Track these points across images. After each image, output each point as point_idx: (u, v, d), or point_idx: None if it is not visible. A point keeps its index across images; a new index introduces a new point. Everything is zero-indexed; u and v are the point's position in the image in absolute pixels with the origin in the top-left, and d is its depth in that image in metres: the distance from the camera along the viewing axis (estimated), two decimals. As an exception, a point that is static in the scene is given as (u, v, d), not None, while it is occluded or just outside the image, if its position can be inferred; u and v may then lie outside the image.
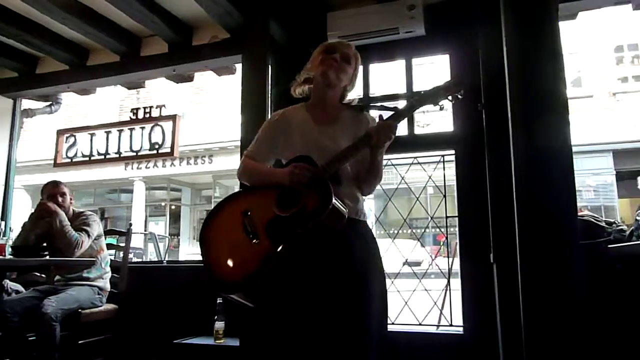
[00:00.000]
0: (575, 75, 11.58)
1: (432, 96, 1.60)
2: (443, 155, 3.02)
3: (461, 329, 2.76)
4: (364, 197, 1.72)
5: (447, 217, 2.97)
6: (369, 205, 12.54)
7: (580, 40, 10.89)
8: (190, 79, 3.93)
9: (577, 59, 11.32)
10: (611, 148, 10.69)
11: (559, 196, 1.74)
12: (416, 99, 1.61)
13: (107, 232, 3.45)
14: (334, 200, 1.46)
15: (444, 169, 3.03)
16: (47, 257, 2.98)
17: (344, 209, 1.51)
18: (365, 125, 1.68)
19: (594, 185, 11.11)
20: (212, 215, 1.70)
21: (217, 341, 2.79)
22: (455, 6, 2.94)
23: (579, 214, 2.92)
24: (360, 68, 2.56)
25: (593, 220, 2.55)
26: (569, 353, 1.68)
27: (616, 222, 2.57)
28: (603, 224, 2.53)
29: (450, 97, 1.60)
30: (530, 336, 1.73)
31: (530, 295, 1.76)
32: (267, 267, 1.46)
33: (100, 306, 2.96)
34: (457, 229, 2.86)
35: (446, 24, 2.97)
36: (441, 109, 1.62)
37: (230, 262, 1.57)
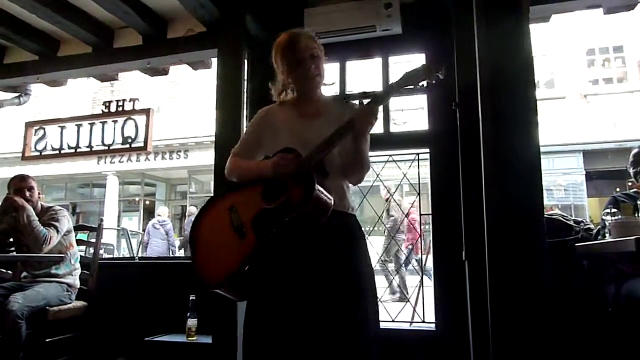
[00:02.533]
0: (548, 76, 11.83)
1: (412, 77, 1.56)
2: (418, 154, 3.04)
3: (433, 325, 2.79)
4: (351, 189, 1.72)
5: (421, 214, 2.99)
6: (346, 202, 12.59)
7: (553, 42, 11.13)
8: (165, 72, 3.86)
9: (551, 61, 11.56)
10: (581, 148, 10.98)
11: (526, 195, 1.78)
12: (396, 82, 1.58)
13: (77, 228, 3.38)
14: (316, 191, 1.45)
15: (418, 167, 3.06)
16: (14, 253, 2.92)
17: (328, 200, 1.50)
18: (350, 114, 1.64)
19: (564, 184, 11.39)
20: (200, 214, 1.71)
21: (189, 338, 2.76)
22: (431, 6, 2.96)
23: (549, 212, 3.00)
24: (337, 64, 2.56)
25: (562, 219, 2.62)
26: (535, 348, 1.71)
27: (584, 221, 2.64)
28: (571, 222, 2.60)
29: (429, 78, 1.56)
30: (497, 332, 1.76)
31: (497, 291, 1.79)
32: (251, 263, 1.46)
33: (69, 303, 2.90)
34: (430, 226, 2.89)
35: (422, 23, 2.99)
36: (422, 86, 1.59)
37: (215, 260, 1.57)
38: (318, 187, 1.47)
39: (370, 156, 3.06)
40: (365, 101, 1.61)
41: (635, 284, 2.06)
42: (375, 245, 3.37)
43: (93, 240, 3.28)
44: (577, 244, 2.37)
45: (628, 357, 2.17)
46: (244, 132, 1.80)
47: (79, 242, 3.25)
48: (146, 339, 2.81)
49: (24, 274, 2.92)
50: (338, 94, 3.08)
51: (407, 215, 4.95)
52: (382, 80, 3.09)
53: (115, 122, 4.02)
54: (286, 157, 1.54)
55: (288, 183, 1.52)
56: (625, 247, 1.67)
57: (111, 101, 4.12)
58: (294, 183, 1.50)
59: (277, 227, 1.47)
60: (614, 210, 2.03)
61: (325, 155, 1.54)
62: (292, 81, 1.71)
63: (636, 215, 1.96)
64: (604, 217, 2.15)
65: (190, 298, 2.82)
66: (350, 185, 1.71)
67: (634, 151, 2.55)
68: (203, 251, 1.62)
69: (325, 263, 1.53)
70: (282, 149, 1.58)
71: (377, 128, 3.13)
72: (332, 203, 1.51)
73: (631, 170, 2.51)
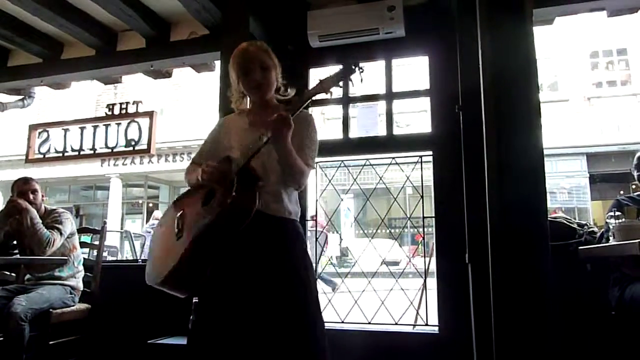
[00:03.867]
0: (552, 79, 11.82)
1: (326, 83, 1.56)
2: (421, 156, 3.03)
3: (437, 328, 2.78)
4: (294, 194, 1.74)
5: (424, 217, 2.99)
6: (349, 205, 12.59)
7: (557, 45, 11.12)
8: (168, 75, 3.87)
9: (554, 64, 11.55)
10: (585, 151, 10.96)
11: (530, 198, 1.77)
12: (308, 90, 1.60)
13: (81, 230, 3.37)
14: (232, 198, 1.50)
15: (421, 170, 3.05)
16: (17, 256, 2.92)
17: (249, 205, 1.54)
18: (300, 121, 1.67)
19: (567, 187, 11.37)
20: (162, 217, 1.87)
21: (192, 341, 2.76)
22: (435, 8, 2.96)
23: (553, 215, 2.99)
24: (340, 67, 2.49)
25: (565, 222, 2.60)
26: (538, 351, 1.71)
27: (588, 224, 2.63)
28: (575, 225, 2.59)
29: (340, 83, 1.56)
30: (500, 335, 1.76)
31: (500, 294, 1.78)
32: (184, 261, 1.53)
33: (72, 306, 2.90)
34: (433, 229, 2.88)
35: (425, 26, 2.99)
36: (331, 94, 1.58)
37: (159, 259, 1.70)
38: (235, 193, 1.51)
39: (373, 158, 3.12)
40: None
41: (639, 288, 2.04)
42: (378, 248, 3.36)
43: (96, 242, 3.28)
44: (580, 247, 2.36)
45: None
46: (204, 141, 1.89)
47: (83, 244, 3.25)
48: (149, 341, 2.80)
49: (28, 276, 2.92)
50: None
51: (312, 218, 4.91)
52: (385, 82, 3.09)
53: (118, 124, 4.04)
54: (210, 165, 1.61)
55: (216, 190, 1.60)
56: (629, 250, 1.66)
57: (115, 104, 4.14)
58: (220, 189, 1.58)
59: (201, 230, 1.54)
60: (617, 213, 2.01)
61: (249, 160, 1.57)
62: (243, 89, 1.77)
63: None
64: (607, 221, 2.13)
65: (194, 300, 2.81)
66: (292, 191, 1.73)
67: (638, 154, 2.54)
68: (153, 249, 1.81)
69: (251, 267, 1.59)
70: (222, 157, 1.66)
71: (380, 130, 3.15)
72: (253, 208, 1.54)
73: (635, 173, 2.50)
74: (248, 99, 1.84)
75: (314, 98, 1.59)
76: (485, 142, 1.88)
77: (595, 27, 10.63)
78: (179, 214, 1.69)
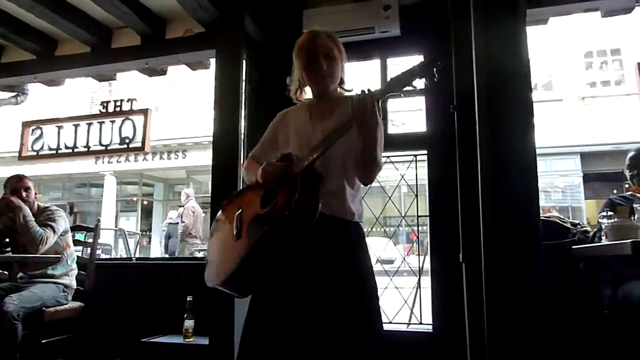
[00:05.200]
0: (546, 79, 11.86)
1: (409, 74, 1.44)
2: (415, 155, 3.04)
3: (430, 327, 2.79)
4: (357, 194, 1.66)
5: (418, 216, 3.00)
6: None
7: (551, 44, 11.15)
8: (163, 72, 3.86)
9: (549, 63, 11.59)
10: (579, 150, 11.01)
11: (523, 197, 1.78)
12: (393, 80, 1.46)
13: (74, 228, 3.37)
14: (294, 200, 1.43)
15: (416, 169, 3.06)
16: (10, 254, 2.91)
17: (313, 208, 1.46)
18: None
19: (562, 186, 11.42)
20: (219, 215, 1.76)
21: (186, 340, 2.76)
22: (430, 8, 2.97)
23: (546, 214, 3.00)
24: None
25: (559, 221, 2.62)
26: (531, 350, 1.72)
27: (581, 223, 2.64)
28: (568, 225, 2.60)
29: (426, 75, 1.44)
30: (492, 334, 1.76)
31: (493, 293, 1.79)
32: (245, 264, 1.47)
33: (66, 304, 2.89)
34: (428, 228, 2.89)
35: (421, 25, 2.99)
36: (417, 87, 1.46)
37: (219, 259, 1.63)
38: (298, 195, 1.44)
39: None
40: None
41: (632, 287, 2.06)
42: (373, 247, 3.36)
43: (90, 240, 3.27)
44: (573, 247, 2.38)
45: (624, 360, 2.17)
46: (264, 134, 1.80)
47: (76, 242, 3.24)
48: (143, 340, 2.80)
49: (20, 274, 2.90)
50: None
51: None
52: (380, 81, 3.10)
53: (113, 122, 4.02)
54: (272, 165, 1.55)
55: (276, 190, 1.53)
56: (621, 250, 1.67)
57: (109, 101, 4.12)
58: (281, 190, 1.51)
59: (262, 233, 1.47)
60: (610, 213, 2.03)
61: (316, 159, 1.49)
62: (306, 79, 1.68)
63: (632, 218, 1.96)
64: (600, 220, 2.15)
65: (187, 299, 2.81)
66: (356, 190, 1.65)
67: (631, 154, 2.55)
68: (211, 249, 1.72)
69: (313, 269, 1.51)
70: (282, 154, 1.59)
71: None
72: (317, 210, 1.47)
73: (628, 173, 2.52)
74: (308, 90, 1.74)
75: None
76: (478, 141, 1.89)
77: (590, 27, 10.67)
78: (237, 213, 1.61)
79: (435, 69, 1.43)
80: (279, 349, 1.47)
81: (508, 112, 1.82)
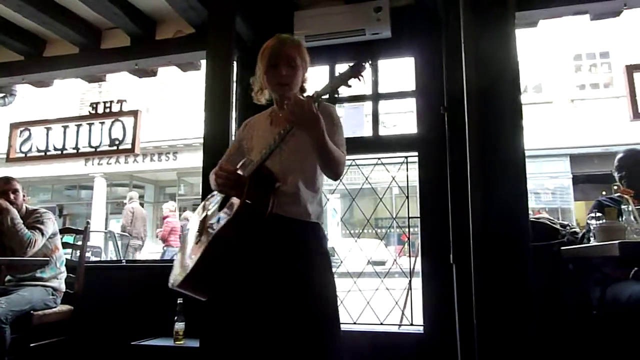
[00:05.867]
0: (536, 81, 11.96)
1: (343, 76, 1.49)
2: (406, 157, 3.05)
3: (421, 328, 2.80)
4: (316, 195, 1.68)
5: (409, 217, 3.01)
6: (335, 205, 12.59)
7: (542, 47, 11.25)
8: (153, 73, 3.84)
9: (539, 66, 11.69)
10: (568, 152, 11.11)
11: (511, 199, 1.78)
12: (326, 86, 1.53)
13: (63, 231, 3.33)
14: (242, 202, 1.48)
15: (407, 170, 3.07)
16: (-3, 257, 2.87)
17: (263, 208, 1.50)
18: (325, 117, 1.55)
19: (551, 188, 11.51)
20: (192, 218, 1.82)
21: (177, 342, 2.74)
22: (421, 10, 2.98)
23: (536, 216, 3.02)
24: (327, 67, 2.50)
25: (548, 222, 2.64)
26: (521, 351, 1.72)
27: (570, 224, 2.67)
28: (558, 226, 2.62)
29: (351, 81, 1.49)
30: (482, 335, 1.77)
31: (482, 294, 1.80)
32: (198, 267, 1.50)
33: (54, 307, 2.86)
34: (418, 229, 2.90)
35: (412, 28, 3.00)
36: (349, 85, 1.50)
37: (180, 262, 1.66)
38: (247, 197, 1.48)
39: (359, 159, 3.12)
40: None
41: (620, 288, 2.08)
42: (364, 248, 3.37)
43: (79, 243, 3.24)
44: (563, 248, 2.39)
45: (613, 360, 2.19)
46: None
47: (65, 245, 3.21)
48: (133, 343, 2.78)
49: (8, 277, 2.87)
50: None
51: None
52: (371, 83, 3.10)
53: (102, 123, 3.98)
54: (223, 169, 1.58)
55: (229, 194, 1.58)
56: (609, 251, 1.68)
57: (98, 102, 4.09)
58: (233, 193, 1.55)
59: (214, 235, 1.51)
60: (598, 214, 2.04)
61: (262, 162, 1.52)
62: (266, 84, 1.71)
63: (620, 219, 1.98)
64: (588, 221, 2.17)
65: (178, 301, 2.79)
66: (316, 190, 1.67)
67: (619, 156, 2.58)
68: (179, 256, 1.73)
69: (269, 271, 1.55)
70: (242, 161, 1.63)
71: (367, 131, 3.16)
72: (268, 211, 1.50)
73: (616, 175, 2.54)
74: (267, 93, 1.76)
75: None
76: (468, 143, 1.90)
77: (579, 30, 10.78)
78: (202, 217, 1.67)
79: (360, 71, 1.49)
80: (235, 348, 1.56)
81: (497, 114, 1.83)
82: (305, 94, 1.60)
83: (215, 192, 1.76)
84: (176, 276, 1.60)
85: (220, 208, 1.61)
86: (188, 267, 1.53)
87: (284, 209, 1.55)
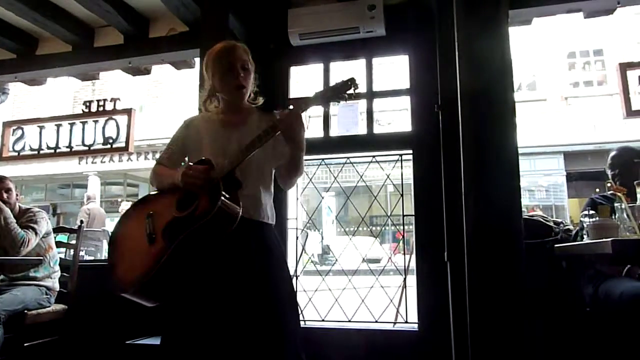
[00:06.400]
0: (530, 79, 12.00)
1: (334, 90, 1.57)
2: (401, 155, 3.05)
3: (416, 325, 2.80)
4: (271, 199, 1.74)
5: (404, 215, 3.01)
6: (330, 203, 12.60)
7: (536, 45, 11.29)
8: (147, 71, 3.83)
9: (533, 63, 11.73)
10: (562, 150, 11.16)
11: (504, 197, 1.79)
12: (319, 92, 1.60)
13: (57, 230, 3.32)
14: (220, 202, 1.47)
15: (401, 168, 3.07)
16: (-10, 256, 2.85)
17: (235, 211, 1.52)
18: (270, 122, 1.63)
19: (545, 185, 11.57)
20: (122, 218, 1.77)
21: (171, 341, 2.73)
22: (415, 8, 2.98)
23: (530, 213, 3.03)
24: (321, 65, 2.50)
25: (542, 220, 2.65)
26: (514, 347, 1.73)
27: (563, 222, 2.68)
28: (551, 223, 2.64)
29: (342, 95, 1.57)
30: (475, 332, 1.78)
31: (475, 291, 1.80)
32: (158, 269, 1.48)
33: (48, 307, 2.85)
34: (413, 227, 2.90)
35: (406, 25, 3.00)
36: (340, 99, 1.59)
37: (127, 264, 1.61)
38: (223, 198, 1.48)
39: (354, 157, 3.12)
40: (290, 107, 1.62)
41: (612, 285, 2.09)
42: (359, 246, 3.37)
43: (73, 242, 3.22)
44: (556, 245, 2.40)
45: (604, 357, 2.20)
46: (169, 141, 1.84)
47: (59, 244, 3.19)
48: (127, 342, 2.77)
49: (1, 277, 2.86)
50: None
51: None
52: (365, 81, 3.10)
53: (96, 122, 3.97)
54: (195, 169, 1.56)
55: (198, 193, 1.54)
56: (602, 248, 1.69)
57: (92, 101, 4.07)
58: (203, 194, 1.53)
59: (184, 235, 1.49)
60: (591, 212, 2.05)
61: (237, 165, 1.55)
62: (219, 88, 1.72)
63: (613, 217, 1.99)
64: (582, 219, 2.18)
65: (172, 300, 2.78)
66: (270, 195, 1.73)
67: (612, 153, 2.59)
68: (118, 255, 1.68)
69: (234, 271, 1.56)
70: (198, 160, 1.61)
71: (361, 129, 3.16)
72: (239, 213, 1.52)
73: (609, 172, 2.56)
74: (214, 101, 1.78)
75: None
76: (461, 141, 1.90)
77: (573, 28, 10.82)
78: (148, 217, 1.62)
79: (348, 90, 1.55)
80: (197, 348, 1.51)
81: (490, 113, 1.84)
82: (294, 102, 1.64)
83: (153, 193, 1.76)
84: (130, 281, 1.54)
85: (180, 208, 1.55)
86: (146, 270, 1.50)
87: (245, 211, 1.56)
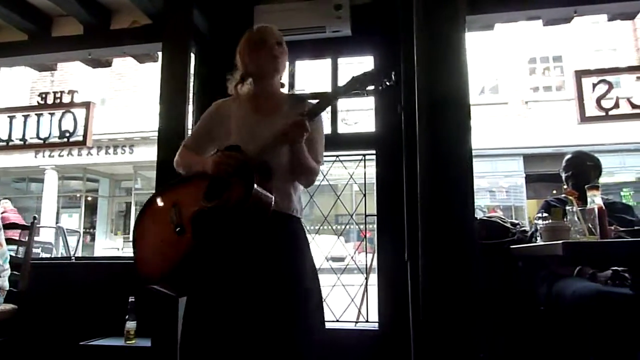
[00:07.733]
0: (493, 82, 12.30)
1: (360, 81, 1.53)
2: (364, 155, 3.07)
3: (377, 325, 2.83)
4: (300, 191, 1.69)
5: (366, 215, 3.03)
6: (296, 201, 12.57)
7: (499, 49, 11.58)
8: (108, 64, 3.71)
9: (496, 67, 12.02)
10: (522, 152, 11.50)
11: (458, 197, 1.83)
12: (332, 93, 1.61)
13: (8, 226, 3.18)
14: (255, 190, 1.42)
15: (364, 168, 3.09)
16: None
17: (268, 200, 1.48)
18: (318, 128, 1.65)
19: (506, 186, 11.90)
20: (144, 208, 1.67)
21: (128, 342, 2.67)
22: (381, 9, 3.00)
23: (489, 214, 3.11)
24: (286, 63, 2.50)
25: (500, 221, 2.72)
26: (469, 345, 1.77)
27: (520, 223, 2.76)
28: (508, 224, 2.71)
29: (377, 84, 1.54)
30: (429, 330, 1.81)
31: (429, 291, 1.84)
32: (189, 261, 1.44)
33: (-4, 306, 2.73)
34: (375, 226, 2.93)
35: (371, 26, 3.02)
36: (368, 92, 1.60)
37: (155, 257, 1.56)
38: (257, 187, 1.44)
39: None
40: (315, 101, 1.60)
41: (564, 285, 2.16)
42: (321, 246, 3.37)
43: (25, 239, 3.09)
44: (512, 246, 2.47)
45: (558, 353, 2.29)
46: (197, 124, 1.77)
47: (9, 241, 3.06)
48: (81, 343, 2.69)
49: (-54, 275, 2.72)
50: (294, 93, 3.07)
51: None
52: (331, 80, 3.10)
53: (52, 114, 3.82)
54: (228, 155, 1.51)
55: (230, 181, 1.48)
56: (553, 250, 1.75)
57: (48, 93, 3.91)
58: (235, 181, 1.47)
59: (215, 225, 1.44)
60: (545, 214, 2.12)
61: (264, 157, 1.51)
62: (253, 67, 1.67)
63: (565, 219, 2.06)
64: (536, 221, 2.24)
65: (130, 300, 2.72)
66: (299, 187, 1.68)
67: (567, 157, 2.69)
68: (144, 247, 1.61)
69: (264, 264, 1.52)
70: (228, 145, 1.56)
71: (325, 129, 3.15)
72: (273, 203, 1.49)
73: (563, 175, 2.65)
74: (247, 86, 1.71)
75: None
76: (418, 142, 1.93)
77: (534, 35, 11.15)
78: (172, 207, 1.54)
79: (386, 79, 1.51)
80: (223, 347, 1.46)
81: (446, 115, 1.87)
82: (303, 95, 1.60)
83: (172, 181, 1.69)
84: (156, 272, 1.51)
85: (209, 197, 1.49)
86: (175, 261, 1.46)
87: (275, 204, 1.51)
